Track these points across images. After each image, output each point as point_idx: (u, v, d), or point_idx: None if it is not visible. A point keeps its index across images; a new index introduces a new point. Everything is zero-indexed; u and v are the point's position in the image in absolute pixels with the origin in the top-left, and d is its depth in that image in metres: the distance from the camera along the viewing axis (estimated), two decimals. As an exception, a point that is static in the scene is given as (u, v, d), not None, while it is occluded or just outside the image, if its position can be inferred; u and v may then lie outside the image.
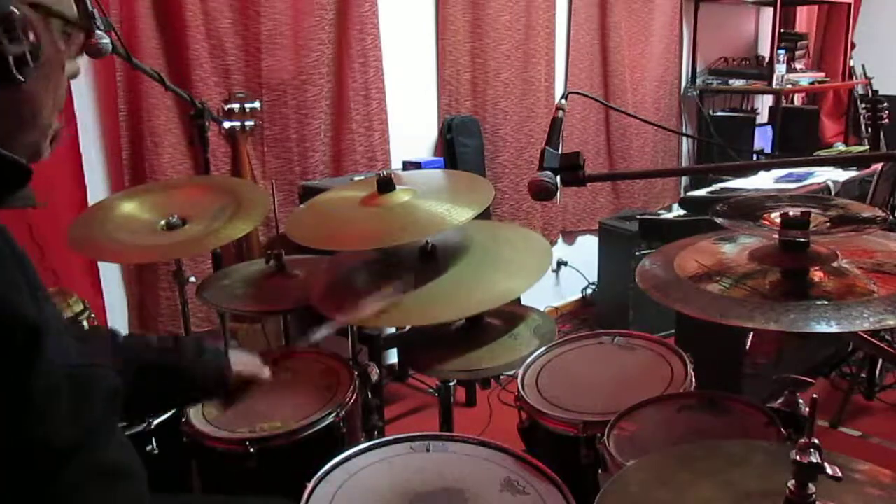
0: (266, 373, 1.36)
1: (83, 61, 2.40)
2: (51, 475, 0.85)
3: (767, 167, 2.83)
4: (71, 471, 0.87)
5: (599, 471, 1.33)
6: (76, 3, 0.91)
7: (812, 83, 4.74)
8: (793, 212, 1.15)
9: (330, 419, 1.49)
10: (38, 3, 0.83)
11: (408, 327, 1.89)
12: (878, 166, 2.56)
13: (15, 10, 0.78)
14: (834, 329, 0.95)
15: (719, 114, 4.56)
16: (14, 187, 0.86)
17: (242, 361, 1.35)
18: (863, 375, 2.94)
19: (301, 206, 2.30)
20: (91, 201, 2.37)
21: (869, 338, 1.55)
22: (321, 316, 1.55)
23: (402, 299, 1.50)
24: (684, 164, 4.67)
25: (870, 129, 3.20)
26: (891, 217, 1.21)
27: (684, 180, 4.53)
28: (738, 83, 4.46)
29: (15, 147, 0.85)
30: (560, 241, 4.06)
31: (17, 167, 0.84)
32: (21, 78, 0.80)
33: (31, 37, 0.81)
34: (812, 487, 0.83)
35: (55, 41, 0.87)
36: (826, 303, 1.00)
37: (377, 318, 1.49)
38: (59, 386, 0.85)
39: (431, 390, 3.01)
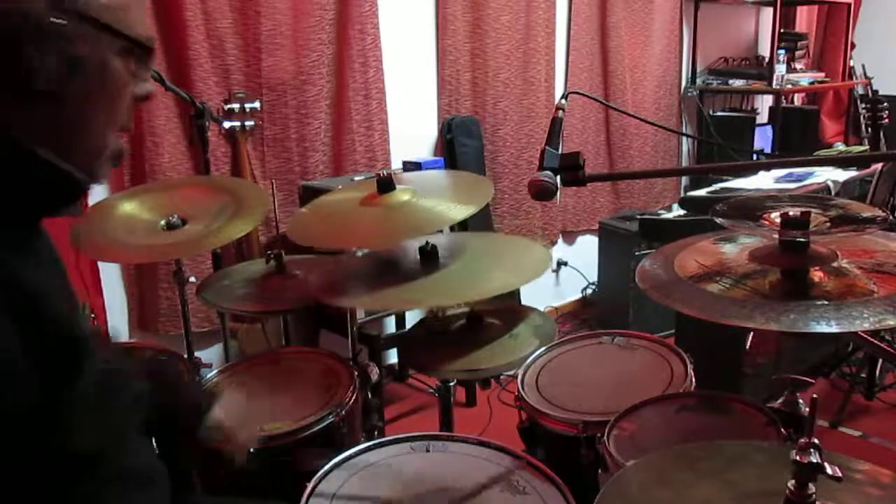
0: (237, 458, 1.27)
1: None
2: (72, 482, 0.85)
3: (767, 167, 2.83)
4: (92, 477, 0.87)
5: (599, 471, 1.33)
6: None
7: (812, 83, 4.74)
8: (793, 212, 1.15)
9: (330, 419, 1.49)
10: (89, 16, 0.79)
11: (408, 327, 1.89)
12: (878, 166, 2.56)
13: (54, 20, 0.75)
14: (834, 329, 0.95)
15: (719, 114, 4.56)
16: (69, 201, 0.85)
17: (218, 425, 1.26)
18: (863, 375, 2.94)
19: (302, 209, 2.30)
20: (91, 201, 2.37)
21: (869, 338, 1.54)
22: (321, 316, 1.55)
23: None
24: (684, 164, 4.67)
25: (870, 129, 3.20)
26: (891, 217, 1.21)
27: (684, 180, 4.52)
28: (738, 83, 4.46)
29: (70, 161, 0.83)
30: (560, 241, 4.06)
31: (72, 181, 0.82)
32: (51, 89, 0.77)
33: (71, 49, 0.77)
34: (812, 487, 0.83)
35: (107, 57, 0.82)
36: (826, 303, 1.00)
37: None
38: (89, 395, 0.85)
39: (431, 390, 3.01)
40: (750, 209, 1.25)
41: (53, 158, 0.79)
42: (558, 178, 1.04)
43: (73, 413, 0.83)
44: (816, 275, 1.10)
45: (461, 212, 1.54)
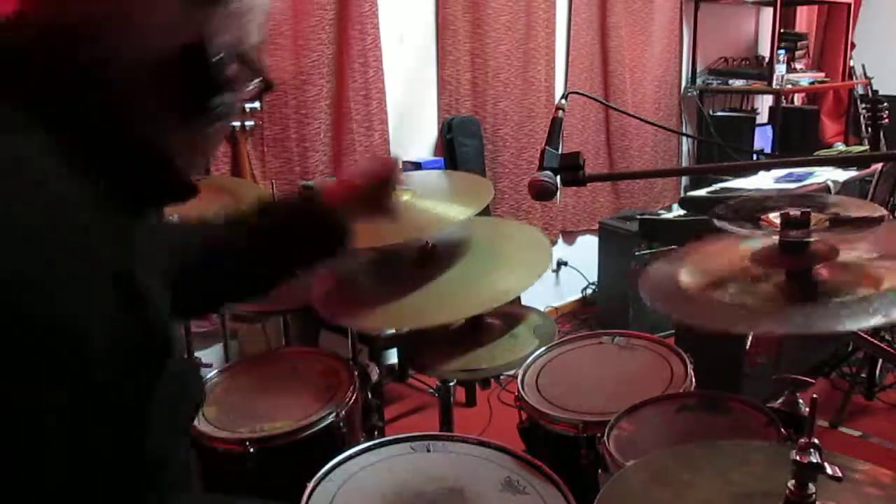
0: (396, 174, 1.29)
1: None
2: (146, 485, 0.85)
3: (767, 167, 2.83)
4: (158, 476, 0.87)
5: (599, 471, 1.33)
6: None
7: (812, 83, 4.74)
8: (793, 212, 1.15)
9: (330, 419, 1.49)
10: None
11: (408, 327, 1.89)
12: (878, 166, 2.56)
13: (225, 59, 0.80)
14: (845, 327, 0.94)
15: (719, 114, 4.56)
16: (181, 201, 0.88)
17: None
18: (863, 375, 2.94)
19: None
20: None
21: (869, 338, 1.54)
22: (321, 316, 1.55)
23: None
24: (684, 164, 4.67)
25: (870, 129, 3.20)
26: (891, 217, 1.21)
27: (684, 180, 4.52)
28: (738, 83, 4.46)
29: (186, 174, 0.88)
30: (560, 241, 4.06)
31: (191, 188, 0.86)
32: (219, 124, 0.85)
33: (229, 86, 0.83)
34: (812, 487, 0.83)
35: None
36: (833, 301, 1.00)
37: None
38: (164, 402, 0.84)
39: (431, 390, 3.00)
40: (750, 210, 1.25)
41: (184, 168, 0.84)
42: (558, 178, 1.04)
43: (151, 418, 0.82)
44: (820, 274, 1.10)
45: (461, 213, 1.54)
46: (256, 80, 0.89)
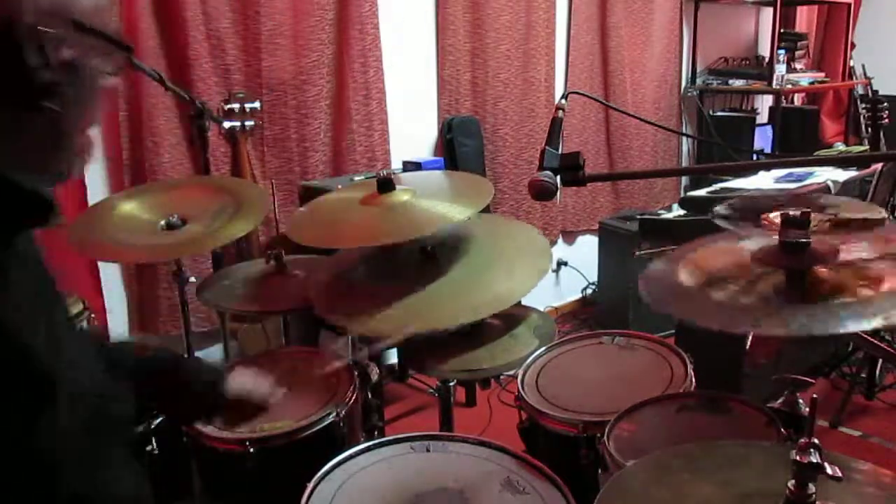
0: (273, 395, 1.36)
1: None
2: None
3: (767, 167, 2.83)
4: None
5: (599, 471, 1.33)
6: None
7: (812, 83, 4.74)
8: (793, 212, 1.15)
9: (330, 419, 1.49)
10: (78, 23, 0.78)
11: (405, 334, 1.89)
12: (878, 166, 2.56)
13: (49, 30, 0.74)
14: (844, 329, 0.94)
15: (719, 114, 4.56)
16: (41, 222, 0.82)
17: (243, 383, 1.33)
18: (863, 375, 2.94)
19: (301, 208, 2.30)
20: (91, 201, 2.37)
21: (869, 338, 1.54)
22: (321, 316, 1.55)
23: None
24: (684, 164, 4.67)
25: (870, 129, 3.20)
26: (891, 217, 1.21)
27: (684, 180, 4.52)
28: (738, 83, 4.46)
29: (49, 169, 0.82)
30: (560, 241, 4.06)
31: (42, 201, 0.80)
32: (53, 107, 0.76)
33: (68, 55, 0.77)
34: (812, 487, 0.83)
35: (93, 60, 0.82)
36: (833, 302, 1.00)
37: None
38: (70, 438, 0.82)
39: (431, 390, 3.01)
40: (750, 210, 1.25)
41: (25, 180, 0.77)
42: (558, 178, 1.04)
43: (56, 458, 0.79)
44: (820, 274, 1.09)
45: (461, 212, 1.54)
46: (111, 49, 0.83)
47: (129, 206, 1.88)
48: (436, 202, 1.62)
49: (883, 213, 1.20)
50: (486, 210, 1.79)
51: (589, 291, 4.14)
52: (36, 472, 0.78)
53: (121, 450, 0.95)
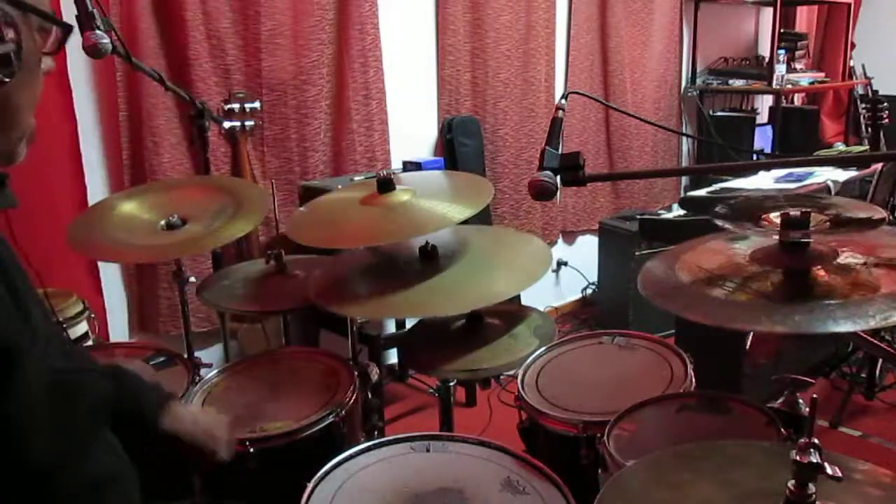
0: (221, 451, 1.19)
1: (84, 62, 2.40)
2: (37, 492, 0.83)
3: (767, 167, 2.83)
4: (58, 485, 0.85)
5: (599, 471, 1.33)
6: (76, 4, 0.89)
7: (812, 83, 4.74)
8: (793, 212, 1.15)
9: (330, 419, 1.49)
10: (16, 0, 0.79)
11: (408, 327, 1.89)
12: (878, 166, 2.56)
13: None
14: (841, 328, 0.94)
15: (719, 114, 4.56)
16: None
17: (192, 421, 1.17)
18: (863, 375, 2.94)
19: (301, 208, 2.30)
20: (91, 201, 2.37)
21: (869, 338, 1.54)
22: (321, 316, 1.55)
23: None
24: (684, 164, 4.67)
25: (870, 129, 3.20)
26: (891, 217, 1.21)
27: (684, 180, 4.53)
28: (738, 83, 4.46)
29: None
30: (560, 241, 4.06)
31: None
32: (5, 79, 0.77)
33: (12, 35, 0.78)
34: (812, 487, 0.83)
35: (34, 38, 0.84)
36: (831, 302, 1.00)
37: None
38: (39, 405, 0.82)
39: (431, 390, 3.01)
40: (750, 210, 1.25)
41: None
42: (558, 178, 1.04)
43: (27, 424, 0.80)
44: (818, 274, 1.10)
45: (461, 212, 1.54)
46: (50, 25, 0.84)
47: (129, 206, 1.88)
48: (436, 202, 1.62)
49: (883, 215, 1.20)
50: (486, 212, 1.78)
51: (589, 291, 4.14)
52: (4, 438, 0.79)
53: (96, 427, 0.94)
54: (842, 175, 2.63)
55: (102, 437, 1.00)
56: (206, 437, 1.18)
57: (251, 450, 1.42)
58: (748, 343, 2.56)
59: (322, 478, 1.27)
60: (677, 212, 3.17)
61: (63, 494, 0.87)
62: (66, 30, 0.89)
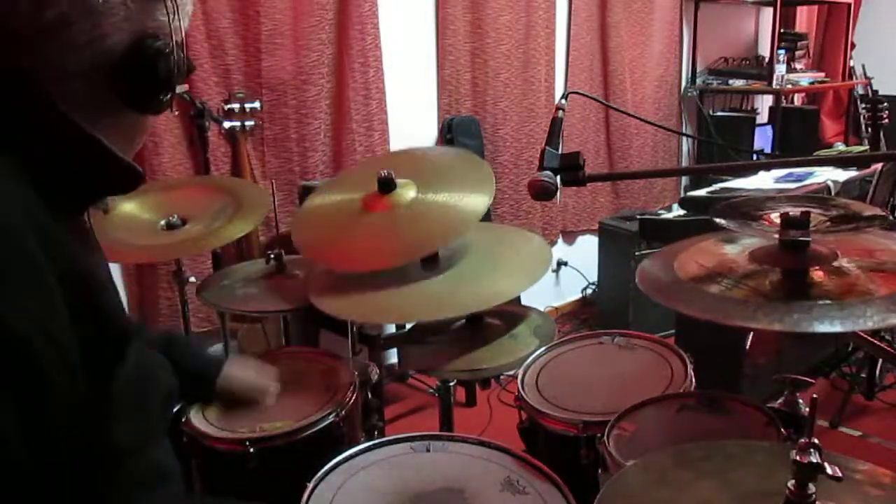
0: (270, 393, 1.47)
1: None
2: (108, 474, 0.86)
3: (767, 167, 2.83)
4: (126, 470, 0.88)
5: (599, 471, 1.33)
6: None
7: (812, 83, 4.74)
8: (793, 212, 1.15)
9: (330, 419, 1.49)
10: (179, 44, 0.87)
11: (408, 327, 1.89)
12: (878, 166, 2.56)
13: (175, 47, 0.85)
14: (838, 329, 0.95)
15: (719, 114, 4.56)
16: (127, 190, 0.91)
17: (240, 375, 1.44)
18: (863, 375, 2.94)
19: (300, 208, 2.29)
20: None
21: (869, 338, 1.54)
22: (321, 316, 1.55)
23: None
24: (684, 164, 4.67)
25: (870, 129, 3.20)
26: (891, 217, 1.21)
27: (684, 180, 4.53)
28: (738, 83, 4.46)
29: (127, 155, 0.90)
30: (560, 241, 4.06)
31: (135, 174, 0.89)
32: (169, 110, 0.89)
33: (181, 72, 0.87)
34: (812, 487, 0.83)
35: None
36: (829, 302, 1.00)
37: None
38: (129, 389, 0.87)
39: (431, 390, 3.01)
40: (750, 209, 1.25)
41: (118, 150, 0.86)
42: (558, 178, 1.04)
43: (117, 406, 0.84)
44: (817, 274, 1.10)
45: (477, 202, 1.52)
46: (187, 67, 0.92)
47: (129, 206, 1.88)
48: (444, 195, 1.59)
49: (883, 215, 1.20)
50: (486, 212, 1.78)
51: (589, 291, 4.14)
52: (98, 417, 0.82)
53: (166, 416, 0.99)
54: (842, 175, 2.63)
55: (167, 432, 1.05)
56: (254, 389, 1.47)
57: (251, 450, 1.41)
58: (748, 343, 2.56)
59: (322, 478, 1.27)
60: (677, 212, 3.17)
61: (130, 481, 0.90)
62: (190, 71, 0.97)
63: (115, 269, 2.58)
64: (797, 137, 4.58)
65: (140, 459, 0.91)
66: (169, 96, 0.87)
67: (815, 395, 0.87)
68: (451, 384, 1.70)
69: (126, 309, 0.97)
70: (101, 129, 0.83)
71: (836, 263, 1.11)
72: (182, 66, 0.87)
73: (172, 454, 1.05)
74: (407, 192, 1.61)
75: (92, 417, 0.81)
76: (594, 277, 4.02)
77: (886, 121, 2.85)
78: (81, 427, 0.79)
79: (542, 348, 1.70)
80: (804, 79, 4.69)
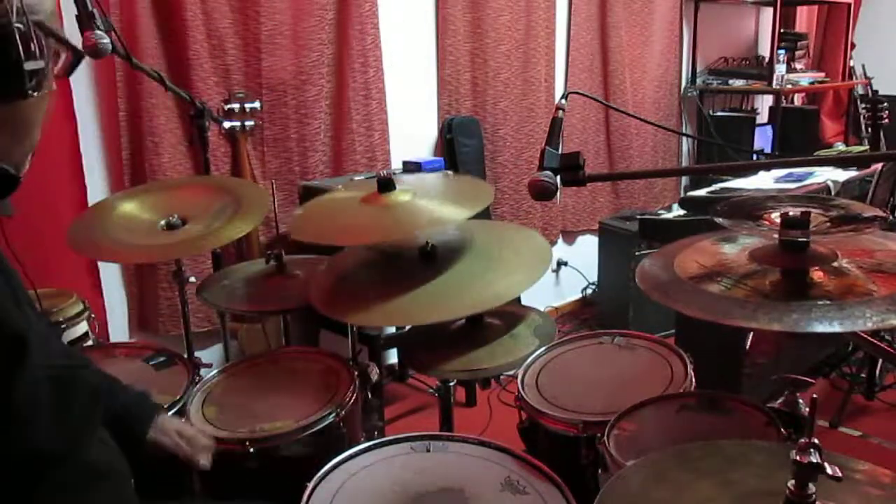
0: (201, 461, 1.34)
1: (84, 62, 2.40)
2: (33, 480, 0.85)
3: (767, 167, 2.83)
4: (54, 474, 0.87)
5: (599, 471, 1.33)
6: (76, 3, 0.92)
7: (812, 83, 4.74)
8: (793, 212, 1.15)
9: (330, 419, 1.49)
10: (40, 22, 0.85)
11: (408, 327, 1.89)
12: (878, 166, 2.56)
13: (22, 27, 0.81)
14: (837, 329, 0.95)
15: (719, 114, 4.56)
16: (3, 195, 0.88)
17: (175, 431, 1.33)
18: (863, 375, 2.94)
19: (300, 210, 2.30)
20: (91, 201, 2.37)
21: (869, 338, 1.54)
22: (321, 316, 1.55)
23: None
24: (684, 164, 4.67)
25: (870, 129, 3.20)
26: (891, 217, 1.21)
27: (684, 180, 4.53)
28: (738, 83, 4.46)
29: (6, 161, 0.87)
30: (560, 241, 4.06)
31: (8, 177, 0.86)
32: (33, 94, 0.83)
33: (38, 53, 0.84)
34: (812, 487, 0.83)
35: (49, 59, 0.89)
36: (828, 303, 1.00)
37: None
38: (41, 393, 0.85)
39: (431, 390, 3.01)
40: (750, 209, 1.25)
41: None
42: (558, 178, 1.04)
43: (31, 411, 0.83)
44: (817, 275, 1.10)
45: (460, 213, 1.54)
46: (62, 49, 0.91)
47: (129, 206, 1.88)
48: (436, 203, 1.62)
49: (883, 216, 1.20)
50: (486, 212, 1.78)
51: (589, 291, 4.14)
52: (10, 424, 0.82)
53: (93, 419, 0.97)
54: (842, 175, 2.63)
55: (97, 432, 1.02)
56: (188, 447, 1.34)
57: (251, 450, 1.42)
58: (748, 343, 2.56)
59: (322, 478, 1.27)
60: (677, 212, 3.16)
61: (59, 484, 0.90)
62: (79, 56, 0.96)
63: (115, 269, 2.59)
64: (797, 137, 4.58)
65: (69, 462, 0.90)
66: (33, 79, 0.83)
67: (815, 395, 0.87)
68: (451, 384, 1.70)
69: (29, 311, 0.95)
70: None
71: (835, 264, 1.11)
72: (43, 43, 0.84)
73: (114, 451, 1.04)
74: (403, 195, 1.63)
75: (1, 424, 0.80)
76: (594, 277, 4.02)
77: (886, 121, 2.85)
78: None
79: (542, 348, 1.70)
80: (804, 79, 4.69)
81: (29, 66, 0.81)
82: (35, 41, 0.82)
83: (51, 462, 0.87)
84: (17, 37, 0.79)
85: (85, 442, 0.95)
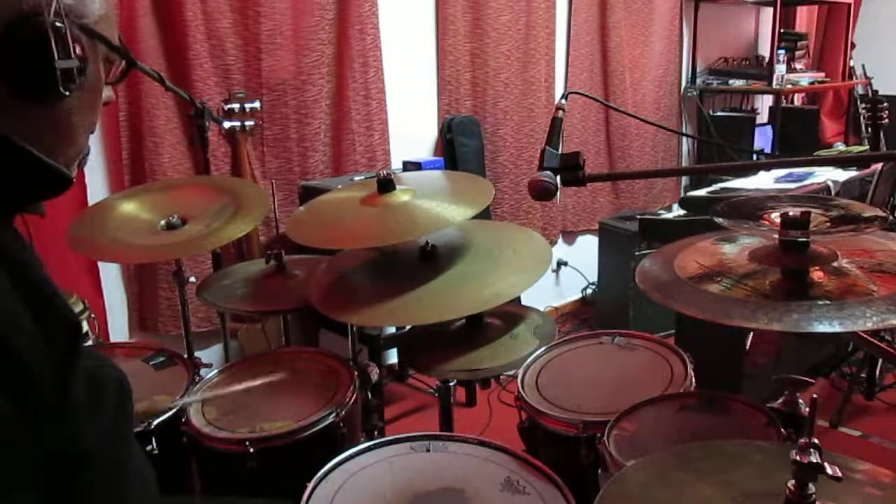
0: None
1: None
2: (69, 477, 0.85)
3: (767, 167, 2.83)
4: (86, 472, 0.87)
5: (599, 471, 1.33)
6: None
7: (812, 83, 4.74)
8: (793, 212, 1.15)
9: (330, 419, 1.49)
10: (87, 27, 0.85)
11: (408, 327, 1.89)
12: (878, 166, 2.56)
13: (64, 26, 0.80)
14: (837, 329, 0.95)
15: (719, 114, 4.56)
16: (54, 195, 0.88)
17: None
18: (863, 375, 2.94)
19: (301, 207, 2.31)
20: (91, 201, 2.37)
21: (869, 338, 1.54)
22: (321, 316, 1.55)
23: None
24: (684, 164, 4.67)
25: (870, 129, 3.20)
26: (891, 217, 1.21)
27: (684, 180, 4.53)
28: (738, 83, 4.46)
29: (58, 161, 0.87)
30: (560, 241, 4.06)
31: (60, 177, 0.86)
32: (66, 93, 0.82)
33: (79, 52, 0.83)
34: (812, 487, 0.83)
35: (98, 65, 0.89)
36: (828, 303, 1.00)
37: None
38: (89, 385, 0.86)
39: (431, 390, 3.01)
40: (750, 209, 1.25)
41: (45, 156, 0.83)
42: (558, 178, 1.04)
43: (77, 406, 0.83)
44: (817, 275, 1.10)
45: (461, 213, 1.54)
46: (115, 57, 0.90)
47: (129, 206, 1.88)
48: (436, 203, 1.62)
49: (882, 213, 1.20)
50: (486, 212, 1.79)
51: (589, 291, 4.14)
52: (64, 415, 0.81)
53: (123, 416, 0.97)
54: (842, 175, 2.63)
55: (126, 431, 1.02)
56: None
57: (251, 450, 1.42)
58: (748, 343, 2.56)
59: (322, 478, 1.27)
60: (677, 212, 3.16)
61: (89, 478, 0.89)
62: (130, 63, 0.96)
63: (115, 269, 2.59)
64: (797, 137, 4.57)
65: (105, 459, 0.90)
66: (67, 78, 0.82)
67: (815, 395, 0.87)
68: (451, 384, 1.70)
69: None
70: (7, 128, 0.79)
71: (835, 264, 1.11)
72: (84, 44, 0.83)
73: (142, 454, 1.04)
74: (403, 195, 1.63)
75: (47, 418, 0.79)
76: (594, 277, 4.02)
77: (886, 121, 2.85)
78: (53, 428, 0.78)
79: (542, 348, 1.70)
80: (804, 79, 4.69)
81: (61, 64, 0.80)
82: (72, 41, 0.81)
83: (85, 458, 0.86)
84: (52, 35, 0.79)
85: (119, 439, 0.95)
